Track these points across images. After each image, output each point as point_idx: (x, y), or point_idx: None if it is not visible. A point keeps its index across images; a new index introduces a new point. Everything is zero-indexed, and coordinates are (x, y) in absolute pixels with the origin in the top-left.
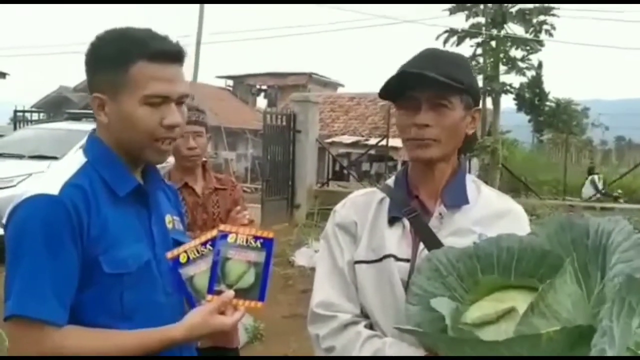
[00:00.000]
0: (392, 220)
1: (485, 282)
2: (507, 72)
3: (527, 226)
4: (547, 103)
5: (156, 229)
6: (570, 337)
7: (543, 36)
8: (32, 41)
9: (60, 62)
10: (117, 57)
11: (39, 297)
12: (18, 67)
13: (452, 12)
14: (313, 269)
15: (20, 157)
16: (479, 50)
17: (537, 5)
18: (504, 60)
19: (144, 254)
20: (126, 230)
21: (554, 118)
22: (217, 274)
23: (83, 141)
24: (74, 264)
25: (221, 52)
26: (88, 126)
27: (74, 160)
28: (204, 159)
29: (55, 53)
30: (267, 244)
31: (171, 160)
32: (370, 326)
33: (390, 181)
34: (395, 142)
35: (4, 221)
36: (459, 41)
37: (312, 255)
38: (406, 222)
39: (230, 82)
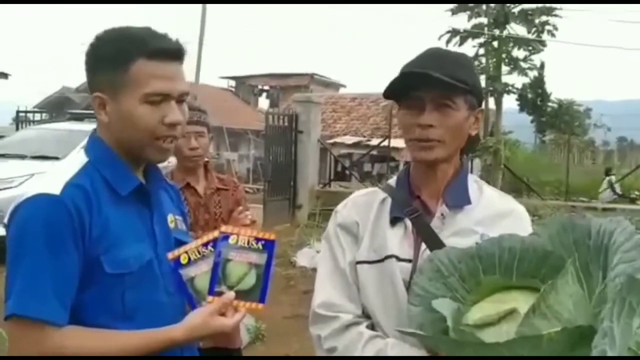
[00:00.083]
0: (394, 221)
1: (486, 283)
2: (510, 72)
3: (529, 226)
4: (550, 103)
5: (158, 228)
6: (571, 337)
7: (545, 36)
8: (35, 42)
9: (62, 63)
10: (117, 56)
11: (40, 297)
12: (20, 67)
13: (454, 12)
14: (315, 270)
15: (22, 157)
16: (482, 51)
17: (539, 5)
18: (507, 60)
19: (145, 254)
20: (128, 230)
21: (556, 119)
22: (218, 275)
23: (85, 142)
24: (75, 264)
25: (223, 53)
26: (90, 127)
27: (76, 160)
28: (206, 159)
29: (58, 53)
30: (268, 246)
31: (173, 160)
32: (372, 327)
33: (392, 181)
34: (397, 142)
35: (5, 221)
36: (462, 41)
37: (314, 256)
38: (408, 223)
39: (233, 83)
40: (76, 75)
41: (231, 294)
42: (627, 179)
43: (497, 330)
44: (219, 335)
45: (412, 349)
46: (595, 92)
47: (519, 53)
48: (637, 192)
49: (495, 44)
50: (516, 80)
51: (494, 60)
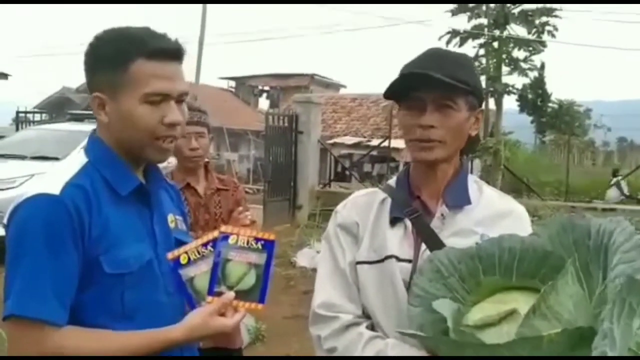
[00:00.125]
0: (394, 221)
1: (486, 283)
2: (510, 73)
3: (529, 226)
4: (550, 104)
5: (158, 228)
6: (571, 338)
7: (545, 37)
8: (35, 42)
9: (62, 63)
10: (116, 56)
11: (39, 297)
12: (20, 68)
13: (454, 13)
14: (315, 270)
15: (22, 158)
16: (482, 51)
17: (539, 6)
18: (507, 61)
19: (145, 254)
20: (128, 230)
21: (556, 119)
22: (217, 275)
23: (85, 142)
24: (75, 264)
25: (223, 53)
26: (90, 127)
27: (75, 160)
28: (206, 160)
29: (57, 54)
30: (268, 246)
31: (173, 161)
32: (372, 327)
33: (392, 181)
34: (397, 143)
35: (5, 221)
36: (462, 42)
37: (314, 256)
38: (408, 223)
39: (233, 84)
40: (76, 76)
41: (231, 294)
42: (628, 179)
43: (498, 331)
44: (219, 336)
45: (412, 350)
46: (595, 92)
47: (519, 54)
48: None
49: (495, 44)
50: (516, 80)
51: (494, 60)
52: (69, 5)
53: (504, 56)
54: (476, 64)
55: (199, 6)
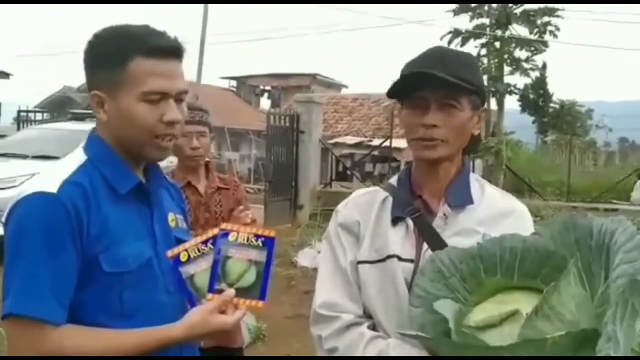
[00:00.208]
0: (396, 220)
1: (488, 284)
2: (511, 73)
3: (531, 226)
4: (551, 104)
5: (158, 227)
6: (575, 340)
7: (547, 37)
8: (36, 41)
9: (64, 63)
10: (115, 54)
11: (38, 296)
12: (21, 67)
13: (456, 13)
14: (316, 270)
15: (23, 157)
16: (483, 51)
17: (541, 6)
18: (508, 61)
19: (145, 253)
20: (127, 229)
21: (557, 119)
22: (217, 272)
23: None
24: (73, 263)
25: (225, 53)
26: (91, 126)
27: (74, 158)
28: (207, 159)
29: (59, 53)
30: (268, 243)
31: (174, 160)
32: (373, 327)
33: (393, 180)
34: (399, 143)
35: (3, 220)
36: (463, 42)
37: (315, 256)
38: (410, 222)
39: (234, 83)
40: (77, 75)
41: (231, 292)
42: (629, 179)
43: (500, 331)
44: (220, 334)
45: (413, 350)
46: (596, 92)
47: (520, 54)
48: None
49: (497, 44)
50: (518, 80)
51: (496, 60)
52: (70, 5)
53: (505, 56)
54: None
55: (200, 6)
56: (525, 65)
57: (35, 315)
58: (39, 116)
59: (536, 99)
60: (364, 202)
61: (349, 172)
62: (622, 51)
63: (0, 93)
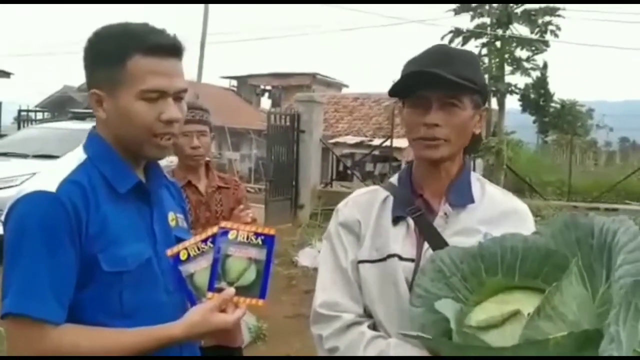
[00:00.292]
0: (397, 220)
1: (489, 284)
2: (512, 72)
3: (532, 225)
4: (552, 104)
5: (158, 226)
6: (578, 341)
7: (548, 37)
8: (37, 41)
9: (64, 62)
10: (114, 53)
11: (37, 295)
12: (22, 66)
13: (457, 12)
14: (316, 269)
15: (24, 156)
16: (484, 51)
17: (542, 5)
18: (509, 60)
19: (144, 252)
20: (126, 228)
21: (558, 119)
22: (217, 271)
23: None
24: (72, 262)
25: (225, 52)
26: (92, 125)
27: (74, 157)
28: (207, 158)
29: (59, 53)
30: (268, 241)
31: (175, 160)
32: (374, 326)
33: (394, 179)
34: (399, 142)
35: (2, 218)
36: (464, 41)
37: (316, 256)
38: (410, 222)
39: (234, 83)
40: (78, 75)
41: (231, 290)
42: (630, 179)
43: (501, 332)
44: (220, 333)
45: (414, 350)
46: (597, 92)
47: (521, 53)
48: None
49: (498, 44)
50: (519, 80)
51: (497, 60)
52: (70, 5)
53: (506, 56)
54: None
55: (201, 6)
56: (526, 64)
57: (34, 315)
58: (39, 115)
59: (537, 99)
60: (365, 202)
61: (349, 172)
62: (623, 51)
63: (1, 92)
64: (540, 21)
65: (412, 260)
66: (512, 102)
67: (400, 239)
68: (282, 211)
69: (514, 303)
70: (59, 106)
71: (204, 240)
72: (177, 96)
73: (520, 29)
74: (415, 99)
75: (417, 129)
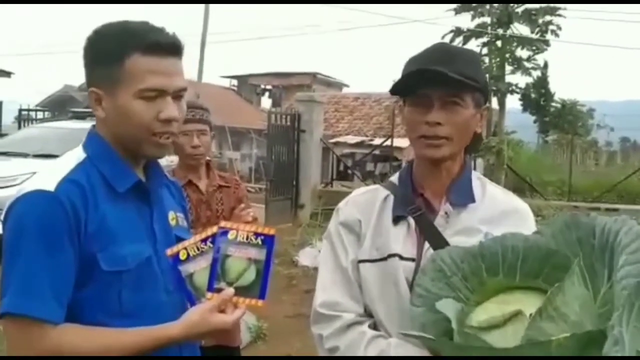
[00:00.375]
0: (397, 219)
1: (490, 283)
2: (513, 72)
3: (533, 224)
4: (553, 104)
5: (158, 225)
6: (580, 342)
7: (549, 36)
8: (37, 40)
9: (64, 61)
10: (113, 51)
11: (36, 295)
12: (23, 66)
13: (457, 12)
14: (317, 269)
15: (24, 155)
16: (485, 50)
17: (543, 5)
18: (510, 60)
19: (144, 251)
20: (126, 227)
21: (559, 119)
22: (217, 271)
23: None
24: (71, 261)
25: (226, 52)
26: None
27: (73, 156)
28: (207, 158)
29: (59, 52)
30: (268, 241)
31: (175, 160)
32: (374, 326)
33: (394, 178)
34: (400, 142)
35: (2, 218)
36: (465, 41)
37: (316, 255)
38: (411, 221)
39: (235, 82)
40: (78, 74)
41: (230, 290)
42: (631, 179)
43: (503, 332)
44: (219, 333)
45: (414, 349)
46: (598, 92)
47: (522, 53)
48: None
49: (498, 43)
50: (519, 80)
51: (498, 60)
52: (70, 5)
53: (507, 55)
54: None
55: (201, 6)
56: (526, 64)
57: (33, 315)
58: (40, 115)
59: (538, 99)
60: (365, 201)
61: (350, 172)
62: (624, 50)
63: (2, 92)
64: (540, 21)
65: (412, 259)
66: (513, 102)
67: (401, 239)
68: (283, 211)
69: (515, 303)
70: (59, 105)
71: (204, 240)
72: (177, 95)
73: (520, 29)
74: (416, 97)
75: (418, 127)
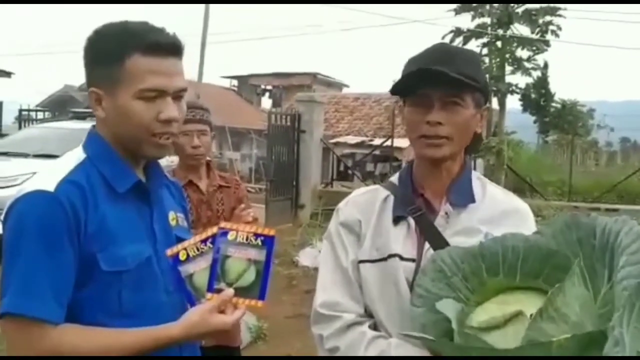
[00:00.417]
0: (397, 219)
1: (490, 284)
2: (513, 72)
3: (533, 225)
4: (553, 104)
5: (158, 225)
6: (581, 343)
7: (549, 36)
8: (37, 40)
9: (65, 61)
10: (113, 51)
11: (36, 295)
12: (23, 66)
13: (457, 12)
14: (317, 269)
15: (25, 155)
16: (485, 51)
17: (543, 5)
18: (510, 60)
19: (143, 252)
20: (125, 228)
21: (559, 119)
22: (216, 272)
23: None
24: (71, 262)
25: (226, 52)
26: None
27: (73, 156)
28: (208, 158)
29: (60, 52)
30: (267, 242)
31: (176, 160)
32: (375, 326)
33: (394, 179)
34: (400, 142)
35: (2, 218)
36: (465, 41)
37: (316, 256)
38: (411, 221)
39: (235, 82)
40: (79, 74)
41: (230, 291)
42: (631, 179)
43: (503, 333)
44: (219, 333)
45: (415, 350)
46: (598, 92)
47: (522, 53)
48: None
49: (498, 44)
50: (519, 80)
51: (498, 60)
52: (71, 5)
53: (507, 55)
54: None
55: (201, 6)
56: (526, 64)
57: (33, 315)
58: (40, 115)
59: (538, 99)
60: (365, 201)
61: (350, 172)
62: (624, 51)
63: (2, 92)
64: (541, 21)
65: (412, 260)
66: (513, 102)
67: (401, 239)
68: (283, 211)
69: (516, 304)
70: (59, 106)
71: (204, 241)
72: (177, 95)
73: (521, 29)
74: (417, 97)
75: (419, 127)
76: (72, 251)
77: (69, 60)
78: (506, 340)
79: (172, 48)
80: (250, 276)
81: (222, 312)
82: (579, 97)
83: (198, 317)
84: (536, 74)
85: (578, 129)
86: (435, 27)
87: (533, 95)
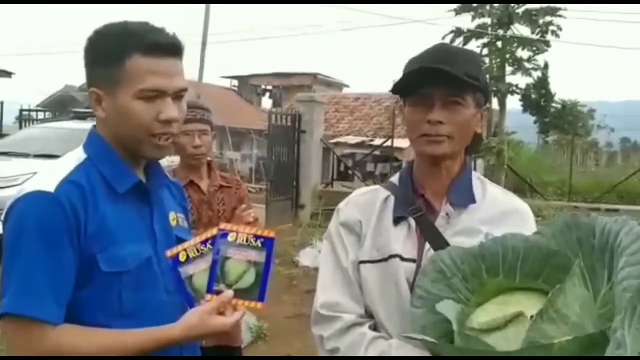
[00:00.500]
0: (398, 220)
1: (490, 284)
2: (513, 72)
3: (533, 225)
4: (553, 104)
5: (158, 226)
6: (582, 345)
7: (549, 37)
8: (37, 40)
9: (65, 61)
10: (113, 51)
11: (35, 295)
12: (23, 66)
13: (457, 12)
14: (317, 269)
15: (25, 156)
16: (485, 51)
17: (543, 5)
18: (510, 60)
19: (144, 252)
20: (125, 228)
21: (559, 119)
22: (216, 273)
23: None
24: (71, 262)
25: (226, 52)
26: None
27: (73, 156)
28: (208, 158)
29: (60, 52)
30: (267, 243)
31: (176, 160)
32: (375, 327)
33: (394, 179)
34: (400, 142)
35: (2, 218)
36: (465, 41)
37: (317, 256)
38: (412, 222)
39: (235, 82)
40: (79, 74)
41: (229, 293)
42: (631, 179)
43: (504, 334)
44: (219, 334)
45: (415, 350)
46: (598, 92)
47: (522, 53)
48: None
49: (499, 44)
50: (520, 80)
51: (498, 60)
52: (71, 5)
53: (507, 56)
54: None
55: (202, 6)
56: (527, 65)
57: (33, 315)
58: (40, 115)
59: (538, 99)
60: (366, 201)
61: (350, 172)
62: (624, 51)
63: (2, 92)
64: (541, 21)
65: (413, 260)
66: (513, 102)
67: (402, 239)
68: (283, 211)
69: (516, 304)
70: (60, 106)
71: (204, 242)
72: (177, 95)
73: (521, 29)
74: (417, 96)
75: (419, 126)
76: (72, 251)
77: (69, 60)
78: (507, 341)
79: (172, 48)
80: (249, 278)
81: (221, 313)
82: (579, 98)
83: (197, 318)
84: (536, 74)
85: (578, 129)
86: (436, 27)
87: (533, 96)
